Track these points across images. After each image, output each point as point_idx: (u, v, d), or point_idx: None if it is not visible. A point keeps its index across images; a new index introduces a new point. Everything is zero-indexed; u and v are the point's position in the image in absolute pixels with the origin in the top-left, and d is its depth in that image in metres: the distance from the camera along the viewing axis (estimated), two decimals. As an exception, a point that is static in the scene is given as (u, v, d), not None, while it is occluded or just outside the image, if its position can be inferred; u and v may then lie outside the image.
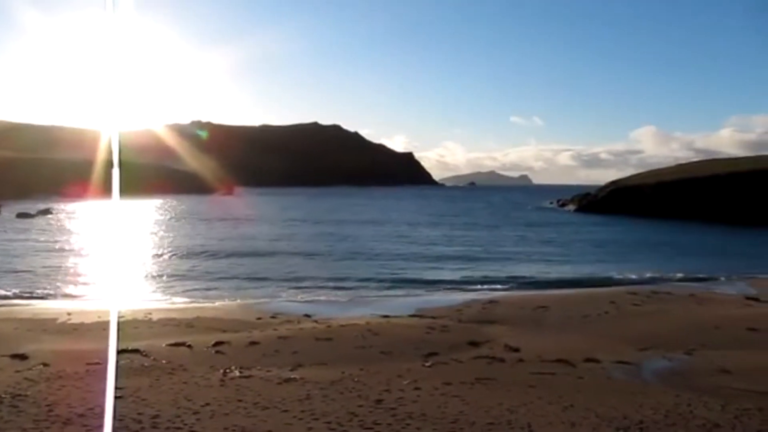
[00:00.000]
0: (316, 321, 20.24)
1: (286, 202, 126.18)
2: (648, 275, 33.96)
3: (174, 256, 38.47)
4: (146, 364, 13.59)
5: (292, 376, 12.93)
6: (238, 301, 25.58)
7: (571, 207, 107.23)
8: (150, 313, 20.82)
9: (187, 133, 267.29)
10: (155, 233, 53.71)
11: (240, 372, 13.20)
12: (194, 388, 11.84)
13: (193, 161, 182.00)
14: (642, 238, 58.76)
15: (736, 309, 23.04)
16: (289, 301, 25.43)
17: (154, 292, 27.56)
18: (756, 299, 25.80)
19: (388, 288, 28.93)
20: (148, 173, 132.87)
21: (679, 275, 33.94)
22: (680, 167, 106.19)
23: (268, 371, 13.43)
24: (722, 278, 32.94)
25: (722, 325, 19.89)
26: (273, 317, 21.17)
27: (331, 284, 29.49)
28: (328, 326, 18.87)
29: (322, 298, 26.55)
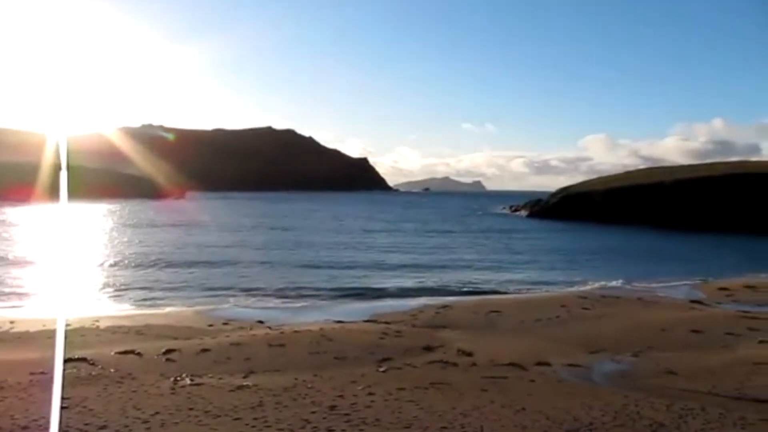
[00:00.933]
0: (269, 327, 20.06)
1: (238, 207, 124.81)
2: (598, 280, 34.68)
3: (123, 263, 37.59)
4: (94, 372, 13.26)
5: (245, 383, 12.79)
6: (190, 308, 25.14)
7: (523, 213, 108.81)
8: (98, 321, 20.29)
9: (139, 136, 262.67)
10: (103, 239, 52.41)
11: (191, 380, 12.99)
12: (144, 396, 11.60)
13: (145, 165, 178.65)
14: (592, 244, 59.98)
15: (680, 312, 23.69)
16: (241, 308, 25.08)
17: (101, 299, 26.85)
18: (699, 302, 26.60)
19: (342, 295, 28.74)
20: (97, 177, 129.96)
21: (628, 279, 34.73)
22: (628, 174, 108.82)
23: (220, 378, 13.25)
24: (668, 282, 33.84)
25: (668, 327, 20.44)
26: (225, 324, 20.89)
27: (284, 291, 29.16)
28: (282, 332, 18.72)
29: (276, 304, 26.25)
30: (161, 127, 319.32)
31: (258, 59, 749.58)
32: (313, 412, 10.86)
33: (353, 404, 11.49)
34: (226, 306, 25.40)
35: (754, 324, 21.19)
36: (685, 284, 33.09)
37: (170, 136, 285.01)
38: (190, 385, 12.59)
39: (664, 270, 38.67)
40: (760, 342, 18.43)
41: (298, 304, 26.19)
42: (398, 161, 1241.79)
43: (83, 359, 14.15)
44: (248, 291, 28.89)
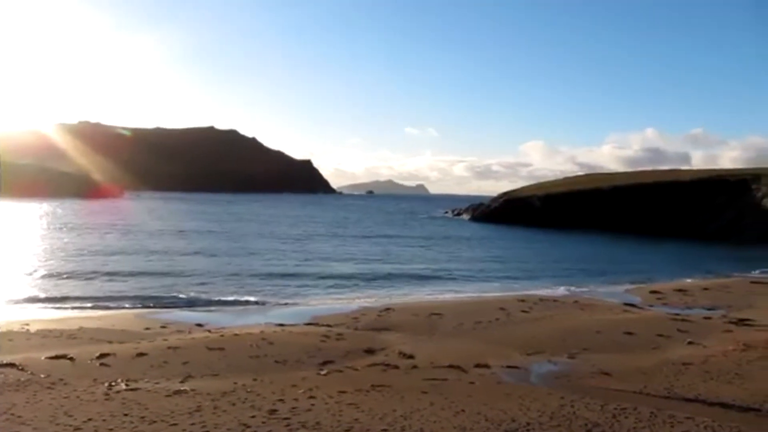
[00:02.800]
0: (208, 330, 19.68)
1: (177, 208, 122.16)
2: (536, 283, 35.43)
3: (54, 265, 36.23)
4: (22, 378, 12.76)
5: (182, 388, 12.54)
6: (125, 311, 24.47)
7: (466, 217, 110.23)
8: (27, 325, 19.51)
9: (75, 133, 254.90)
10: (32, 239, 50.53)
11: (126, 385, 12.65)
12: (76, 403, 11.23)
13: (81, 163, 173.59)
14: (531, 248, 61.25)
15: (615, 315, 24.41)
16: (180, 311, 24.53)
17: (32, 302, 25.80)
18: (633, 305, 27.46)
19: (284, 299, 28.44)
20: (29, 174, 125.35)
21: (565, 283, 35.59)
22: (567, 180, 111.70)
23: (157, 383, 12.95)
24: (604, 286, 34.83)
25: (603, 329, 21.02)
26: (163, 327, 20.40)
27: (223, 294, 28.63)
28: (221, 335, 18.41)
29: (216, 307, 25.77)
30: (86, 123, 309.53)
31: (200, 57, 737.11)
32: (253, 417, 10.72)
33: (293, 408, 11.40)
34: (163, 309, 24.81)
35: (683, 326, 22.00)
36: (620, 288, 34.10)
37: (127, 132, 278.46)
38: (125, 390, 12.25)
39: (600, 274, 39.79)
40: (689, 343, 19.16)
41: (239, 308, 25.80)
42: (342, 163, 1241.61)
43: (11, 365, 13.60)
44: (186, 294, 28.22)
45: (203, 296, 27.81)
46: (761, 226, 73.65)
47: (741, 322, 23.09)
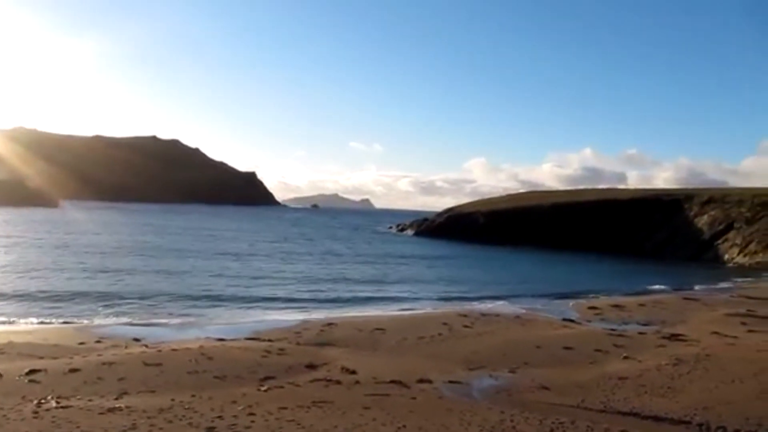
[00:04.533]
0: (145, 345, 19.15)
1: (113, 218, 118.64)
2: (479, 298, 35.81)
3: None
4: (-56, 396, 12.14)
5: (117, 405, 12.15)
6: (58, 325, 23.59)
7: (410, 232, 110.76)
8: (-48, 339, 18.62)
9: (10, 138, 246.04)
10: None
11: (57, 402, 12.18)
12: (2, 421, 10.75)
13: (15, 170, 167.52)
14: (474, 263, 62.00)
15: (554, 330, 24.87)
16: (116, 325, 23.78)
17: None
18: (572, 321, 28.03)
19: (223, 313, 27.86)
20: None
21: (507, 298, 36.10)
22: (510, 197, 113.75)
23: (90, 400, 12.52)
24: (544, 301, 35.47)
25: (542, 344, 21.38)
26: (98, 342, 19.74)
27: (161, 310, 27.79)
28: (159, 350, 17.95)
29: (154, 321, 25.01)
30: (22, 130, 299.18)
31: (142, 64, 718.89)
32: (190, 434, 10.47)
33: (232, 425, 11.19)
34: (98, 323, 24.02)
35: (620, 341, 22.58)
36: (559, 303, 34.78)
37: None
38: (56, 408, 11.79)
39: (540, 289, 40.51)
40: (625, 358, 19.66)
41: (178, 322, 25.16)
42: (286, 176, 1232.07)
43: (-68, 381, 12.94)
44: (123, 309, 27.36)
45: (140, 311, 26.98)
46: (693, 244, 76.52)
47: (674, 337, 23.84)
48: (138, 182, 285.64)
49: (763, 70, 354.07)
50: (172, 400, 12.73)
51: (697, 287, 45.36)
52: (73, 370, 14.98)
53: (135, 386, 13.96)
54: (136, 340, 20.29)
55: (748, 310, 31.86)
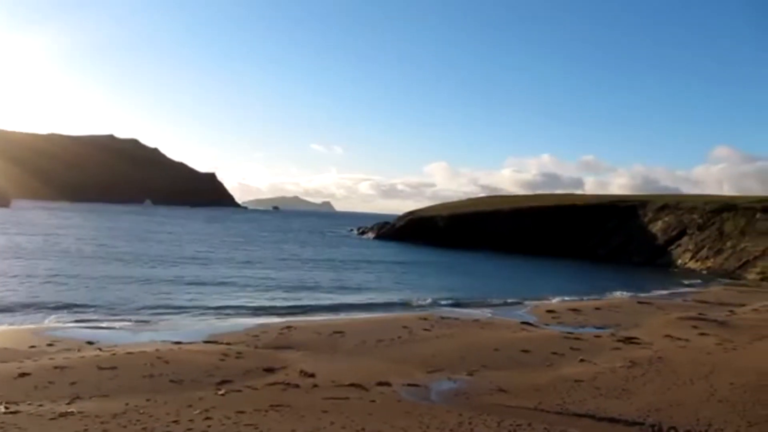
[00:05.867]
0: (99, 348, 18.72)
1: (66, 219, 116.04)
2: (439, 301, 35.98)
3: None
4: None
5: (69, 410, 11.85)
6: (8, 327, 22.91)
7: (371, 235, 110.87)
8: None
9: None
10: None
11: (6, 408, 11.83)
12: (-54, 427, 10.39)
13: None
14: (434, 266, 62.32)
15: (512, 333, 25.13)
16: (69, 327, 23.18)
17: None
18: (530, 324, 28.38)
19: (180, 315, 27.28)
20: None
21: (467, 301, 36.37)
22: (470, 201, 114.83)
23: (40, 406, 12.19)
24: (503, 304, 35.85)
25: (500, 347, 21.58)
26: (50, 345, 19.22)
27: (115, 312, 27.03)
28: (114, 354, 17.59)
29: (108, 324, 24.42)
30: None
31: (99, 61, 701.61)
32: (144, 439, 10.27)
33: (189, 429, 11.02)
34: (50, 326, 23.38)
35: (576, 344, 22.94)
36: (518, 307, 35.19)
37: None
38: (4, 413, 11.45)
39: (499, 293, 40.91)
40: (581, 360, 19.98)
41: (133, 324, 24.66)
42: (247, 178, 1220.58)
43: None
44: (75, 311, 26.61)
45: (95, 315, 26.19)
46: (647, 250, 78.31)
47: (628, 340, 24.33)
48: (95, 182, 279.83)
49: (713, 81, 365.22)
50: (127, 404, 12.49)
51: (651, 292, 46.40)
52: (23, 375, 14.59)
53: (88, 390, 13.65)
54: (90, 343, 19.83)
55: (699, 314, 32.71)
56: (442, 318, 28.49)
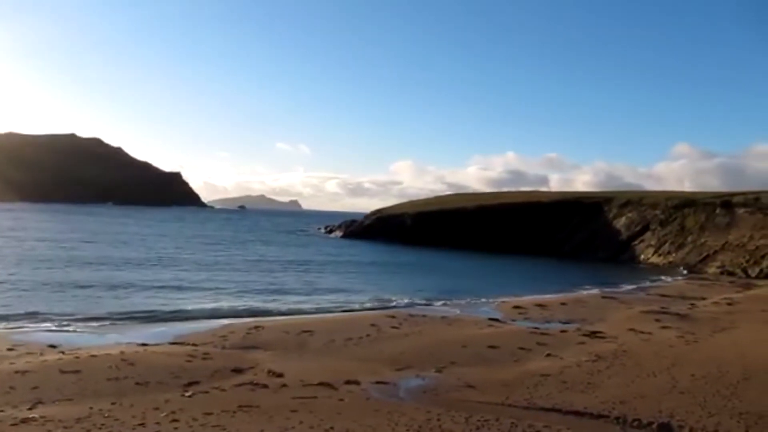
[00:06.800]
0: (62, 352, 18.35)
1: (24, 220, 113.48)
2: (406, 299, 36.08)
3: None
4: None
5: (30, 416, 11.62)
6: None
7: (338, 233, 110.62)
8: None
9: None
10: None
11: (-36, 414, 11.54)
12: None
13: None
14: (402, 264, 62.44)
15: (480, 329, 25.35)
16: (30, 331, 22.63)
17: None
18: (497, 320, 28.64)
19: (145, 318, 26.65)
20: None
21: (433, 299, 36.53)
22: (437, 199, 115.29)
23: (1, 411, 11.93)
24: (470, 301, 36.09)
25: (468, 344, 21.75)
26: (10, 349, 18.72)
27: (77, 315, 26.24)
28: (77, 357, 17.27)
29: (71, 327, 23.83)
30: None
31: (59, 58, 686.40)
32: (109, 443, 10.12)
33: (154, 432, 10.89)
34: (10, 329, 22.79)
35: (543, 339, 23.23)
36: (485, 303, 35.47)
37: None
38: (-37, 419, 11.18)
39: (466, 290, 41.17)
40: (547, 355, 20.24)
41: (97, 326, 24.20)
42: (212, 177, 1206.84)
43: None
44: (36, 315, 25.84)
45: (56, 318, 25.50)
46: (611, 245, 79.56)
47: (593, 334, 24.73)
48: (57, 181, 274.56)
49: (675, 78, 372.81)
50: (91, 408, 12.29)
51: (615, 286, 47.19)
52: (-17, 380, 14.24)
53: (50, 395, 13.40)
54: (52, 346, 19.40)
55: (662, 308, 33.41)
56: (411, 316, 28.59)
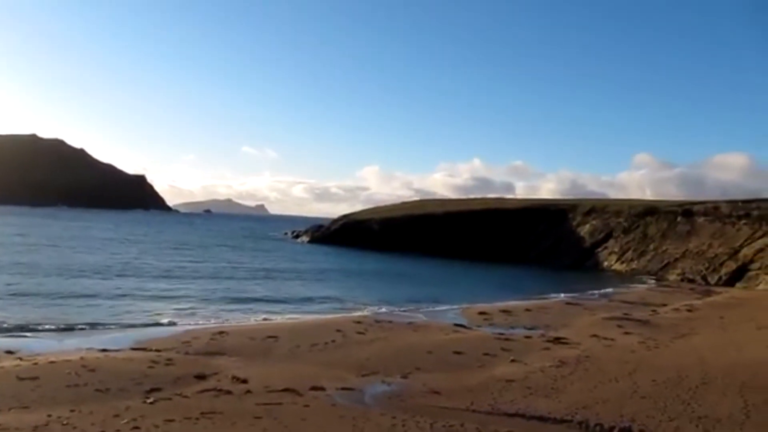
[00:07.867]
0: (19, 358, 17.89)
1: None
2: (372, 305, 36.04)
3: None
4: None
5: (-15, 423, 11.31)
6: None
7: (305, 239, 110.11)
8: None
9: None
10: None
11: None
12: None
13: None
14: (369, 271, 62.39)
15: (445, 335, 25.44)
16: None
17: None
18: (462, 326, 28.77)
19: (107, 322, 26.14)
20: None
21: (401, 305, 36.57)
22: (404, 204, 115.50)
23: (-46, 419, 11.58)
24: (436, 307, 36.21)
25: (434, 349, 21.81)
26: (-35, 355, 18.26)
27: (36, 322, 25.56)
28: (35, 363, 16.87)
29: (30, 333, 23.21)
30: None
31: (20, 58, 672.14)
32: (67, 452, 9.89)
33: (114, 440, 10.68)
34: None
35: (507, 345, 23.41)
36: (450, 309, 35.60)
37: None
38: None
39: (432, 296, 41.31)
40: (512, 361, 20.40)
41: (57, 332, 23.63)
42: (177, 180, 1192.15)
43: None
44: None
45: (13, 324, 24.73)
46: (575, 252, 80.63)
47: (557, 340, 25.01)
48: (15, 183, 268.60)
49: (637, 90, 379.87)
50: (49, 416, 12.01)
51: (579, 293, 47.74)
52: (-64, 387, 13.82)
53: (7, 402, 13.05)
54: (10, 352, 18.88)
55: (624, 314, 33.96)
56: (377, 321, 28.57)
